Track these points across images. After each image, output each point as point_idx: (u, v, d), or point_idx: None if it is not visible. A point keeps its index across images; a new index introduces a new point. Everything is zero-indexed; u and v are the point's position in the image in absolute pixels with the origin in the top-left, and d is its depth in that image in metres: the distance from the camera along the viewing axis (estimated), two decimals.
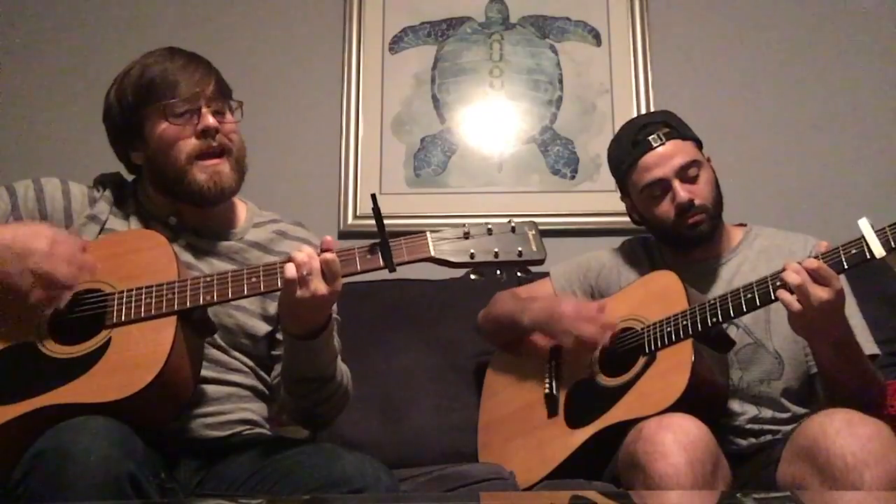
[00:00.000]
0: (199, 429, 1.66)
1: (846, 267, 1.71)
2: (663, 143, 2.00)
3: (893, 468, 1.52)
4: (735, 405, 1.93)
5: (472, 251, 1.55)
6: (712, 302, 1.84)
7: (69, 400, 1.45)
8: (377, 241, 1.54)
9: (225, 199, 1.75)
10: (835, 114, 2.90)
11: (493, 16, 3.03)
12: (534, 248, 1.56)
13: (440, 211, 2.81)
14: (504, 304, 2.20)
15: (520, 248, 1.56)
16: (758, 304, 1.79)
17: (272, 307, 1.75)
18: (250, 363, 1.76)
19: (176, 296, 1.55)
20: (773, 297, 1.76)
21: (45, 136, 2.93)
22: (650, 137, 2.01)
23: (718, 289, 1.98)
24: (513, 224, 1.58)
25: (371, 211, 1.53)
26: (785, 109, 2.92)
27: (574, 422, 1.98)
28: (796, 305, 1.69)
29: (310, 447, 1.62)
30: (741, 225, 2.14)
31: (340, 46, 2.99)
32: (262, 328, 1.76)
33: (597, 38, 2.99)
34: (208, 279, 1.57)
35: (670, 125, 2.04)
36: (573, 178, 2.89)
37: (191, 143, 1.69)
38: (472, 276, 2.65)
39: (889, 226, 1.69)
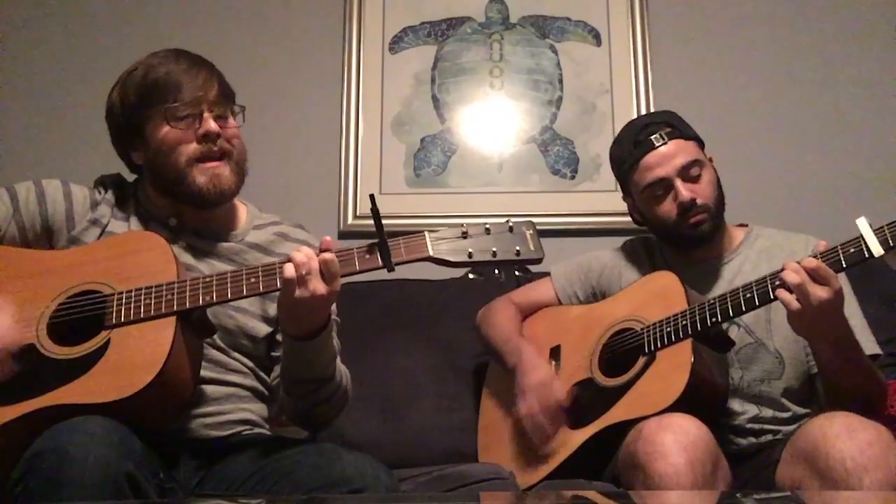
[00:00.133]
0: (198, 429, 1.66)
1: (845, 266, 1.70)
2: (665, 143, 2.00)
3: (893, 473, 1.52)
4: (735, 405, 1.93)
5: (470, 250, 1.55)
6: (711, 302, 1.84)
7: (68, 400, 1.46)
8: (376, 241, 1.55)
9: (224, 202, 1.75)
10: (835, 114, 2.90)
11: (493, 16, 3.03)
12: (531, 247, 1.56)
13: (440, 211, 2.81)
14: (495, 327, 2.19)
15: (518, 248, 1.56)
16: (757, 303, 1.79)
17: (272, 308, 1.75)
18: (250, 364, 1.76)
19: (175, 296, 1.55)
20: (772, 297, 1.76)
21: (45, 137, 2.93)
22: (652, 137, 2.01)
23: (720, 288, 1.98)
24: (510, 224, 1.58)
25: (370, 210, 1.53)
26: (785, 109, 2.92)
27: (574, 422, 1.98)
28: (795, 305, 1.69)
29: (310, 447, 1.62)
30: (742, 225, 2.14)
31: (340, 46, 2.99)
32: (262, 329, 1.76)
33: (597, 38, 2.99)
34: (207, 280, 1.57)
35: (672, 125, 2.04)
36: (573, 178, 2.89)
37: (192, 147, 1.70)
38: (471, 276, 2.65)
39: (887, 224, 1.69)
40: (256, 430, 1.75)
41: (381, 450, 1.89)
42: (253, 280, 1.56)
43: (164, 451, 1.56)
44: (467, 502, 1.70)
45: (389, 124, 2.94)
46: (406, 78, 2.97)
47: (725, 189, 2.06)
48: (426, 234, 1.56)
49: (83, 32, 3.02)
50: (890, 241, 1.67)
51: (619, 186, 2.16)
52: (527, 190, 2.89)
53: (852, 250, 1.70)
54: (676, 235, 2.03)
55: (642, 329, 1.94)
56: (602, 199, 2.81)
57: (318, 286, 1.50)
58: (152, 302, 1.55)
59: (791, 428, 1.89)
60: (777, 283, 1.73)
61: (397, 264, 1.54)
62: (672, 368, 1.83)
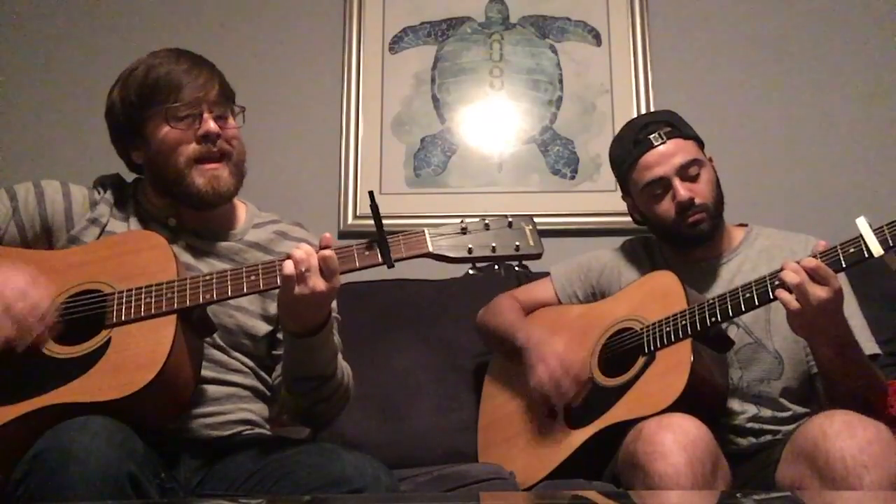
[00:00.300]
0: (199, 429, 1.66)
1: (844, 266, 1.70)
2: (664, 142, 2.00)
3: (893, 471, 1.52)
4: (735, 404, 1.93)
5: (469, 246, 1.56)
6: (711, 302, 1.84)
7: (69, 400, 1.46)
8: (375, 237, 1.55)
9: (223, 203, 1.76)
10: (835, 113, 2.90)
11: (493, 16, 3.03)
12: (531, 242, 1.57)
13: (440, 211, 2.81)
14: (502, 314, 2.19)
15: (517, 243, 1.56)
16: (756, 303, 1.79)
17: (272, 307, 1.75)
18: (250, 363, 1.76)
19: (175, 295, 1.55)
20: (771, 297, 1.76)
21: (45, 137, 2.93)
22: (651, 136, 2.01)
23: (719, 288, 1.98)
24: (510, 219, 1.59)
25: (369, 207, 1.53)
26: (785, 109, 2.92)
27: (574, 422, 1.98)
28: (795, 305, 1.69)
29: (310, 447, 1.62)
30: (742, 225, 2.14)
31: (340, 46, 2.99)
32: (263, 328, 1.76)
33: (597, 38, 2.99)
34: (207, 278, 1.58)
35: (672, 124, 2.04)
36: (573, 178, 2.90)
37: (191, 148, 1.70)
38: (471, 272, 2.66)
39: (887, 224, 1.68)
40: (257, 430, 1.75)
41: (381, 450, 1.89)
42: (253, 278, 1.56)
43: (164, 450, 1.56)
44: (467, 502, 1.69)
45: (389, 124, 2.94)
46: (406, 78, 2.97)
47: (725, 189, 2.06)
48: (426, 230, 1.56)
49: (83, 32, 3.02)
50: (890, 241, 1.67)
51: (618, 186, 2.16)
52: (527, 190, 2.89)
53: (852, 250, 1.70)
54: (675, 235, 2.03)
55: (642, 329, 1.94)
56: (602, 199, 2.81)
57: (318, 283, 1.50)
58: (153, 301, 1.55)
59: (791, 428, 1.89)
60: (777, 282, 1.73)
61: (397, 260, 1.54)
62: (672, 368, 1.84)
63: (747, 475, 1.80)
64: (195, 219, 1.77)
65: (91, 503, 1.29)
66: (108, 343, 1.52)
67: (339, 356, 1.72)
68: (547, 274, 2.26)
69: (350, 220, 2.85)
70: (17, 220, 1.70)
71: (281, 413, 1.85)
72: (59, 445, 1.34)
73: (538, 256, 1.58)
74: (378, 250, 1.54)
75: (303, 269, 1.49)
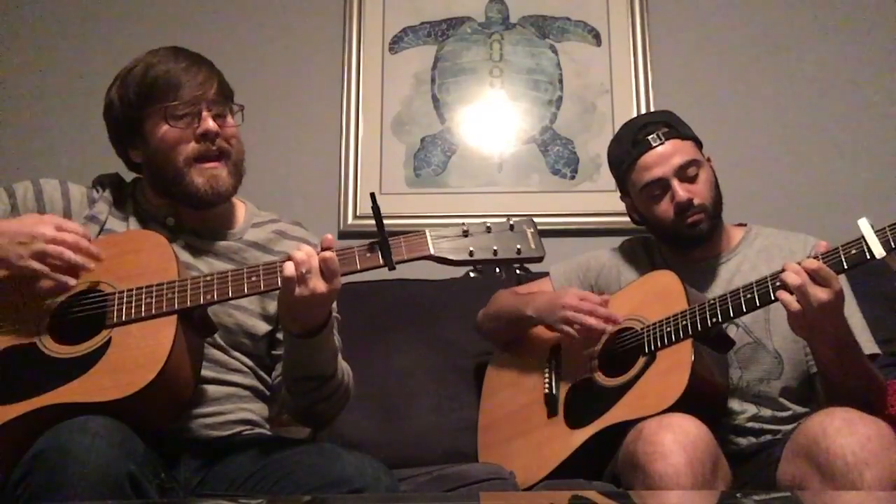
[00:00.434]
0: (199, 429, 1.66)
1: (846, 267, 1.70)
2: (663, 143, 2.00)
3: (893, 467, 1.52)
4: (735, 404, 1.93)
5: (471, 249, 1.55)
6: (712, 302, 1.84)
7: (70, 399, 1.45)
8: (376, 239, 1.55)
9: (221, 203, 1.76)
10: (835, 114, 2.91)
11: (493, 16, 3.03)
12: (532, 245, 1.57)
13: (440, 211, 2.81)
14: (505, 299, 2.21)
15: (518, 246, 1.56)
16: (757, 304, 1.79)
17: (272, 307, 1.75)
18: (250, 363, 1.76)
19: (176, 295, 1.55)
20: (772, 298, 1.76)
21: (45, 137, 2.93)
22: (650, 137, 2.01)
23: (718, 288, 1.98)
24: (511, 222, 1.58)
25: (371, 210, 1.53)
26: (785, 109, 2.92)
27: (574, 422, 1.98)
28: (795, 306, 1.69)
29: (310, 447, 1.62)
30: (741, 225, 2.14)
31: (340, 46, 2.99)
32: (262, 328, 1.76)
33: (597, 38, 3.00)
34: (208, 278, 1.57)
35: (670, 125, 2.04)
36: (573, 178, 2.90)
37: (190, 147, 1.70)
38: (472, 274, 2.66)
39: (889, 226, 1.68)
40: (257, 429, 1.75)
41: (381, 450, 1.89)
42: (254, 279, 1.56)
43: (164, 450, 1.56)
44: (467, 502, 1.70)
45: (389, 124, 2.94)
46: (406, 78, 2.97)
47: (724, 189, 2.06)
48: (427, 232, 1.56)
49: (82, 31, 3.01)
50: (892, 243, 1.67)
51: (617, 186, 2.16)
52: (527, 190, 2.89)
53: (853, 251, 1.70)
54: (674, 235, 2.03)
55: (642, 329, 1.94)
56: (602, 199, 2.81)
57: (319, 284, 1.50)
58: (153, 301, 1.55)
59: (791, 427, 1.89)
60: (777, 283, 1.73)
61: (398, 263, 1.54)
62: (672, 368, 1.84)
63: (747, 475, 1.80)
64: (194, 218, 1.77)
65: (90, 503, 1.29)
66: (108, 343, 1.52)
67: (339, 356, 1.72)
68: (546, 274, 2.25)
69: (350, 220, 2.85)
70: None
71: (281, 413, 1.85)
72: (59, 445, 1.34)
73: (539, 259, 1.58)
74: (379, 252, 1.54)
75: (303, 271, 1.49)
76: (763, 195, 2.79)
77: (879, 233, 1.68)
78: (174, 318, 1.54)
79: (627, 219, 2.19)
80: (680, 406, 1.75)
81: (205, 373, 1.65)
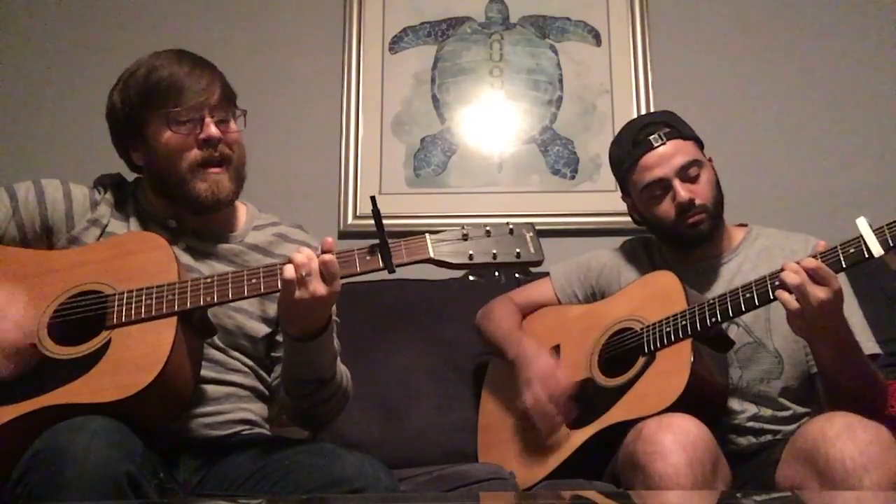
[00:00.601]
0: (198, 429, 1.66)
1: (844, 266, 1.70)
2: (664, 143, 2.00)
3: (893, 473, 1.52)
4: (735, 404, 1.93)
5: (470, 253, 1.56)
6: (711, 302, 1.84)
7: (69, 400, 1.46)
8: (376, 242, 1.55)
9: (222, 209, 1.76)
10: (834, 114, 2.91)
11: (493, 16, 3.03)
12: (532, 249, 1.57)
13: (440, 211, 2.82)
14: (497, 322, 2.20)
15: (518, 250, 1.57)
16: (757, 303, 1.79)
17: (272, 309, 1.76)
18: (250, 363, 1.77)
19: (176, 297, 1.55)
20: (771, 297, 1.76)
21: (45, 136, 2.93)
22: (651, 137, 2.01)
23: (719, 288, 1.98)
24: (511, 226, 1.59)
25: (371, 211, 1.53)
26: (785, 109, 2.92)
27: (574, 422, 1.98)
28: (795, 305, 1.69)
29: (310, 447, 1.62)
30: (742, 225, 2.14)
31: (340, 46, 2.99)
32: (262, 329, 1.76)
33: (597, 38, 3.00)
34: (208, 280, 1.58)
35: (671, 125, 2.04)
36: (573, 178, 2.90)
37: (193, 153, 1.70)
38: (471, 277, 2.65)
39: (887, 225, 1.68)
40: (256, 429, 1.75)
41: (381, 450, 1.89)
42: (254, 281, 1.57)
43: (164, 450, 1.56)
44: (467, 502, 1.70)
45: (389, 124, 2.94)
46: (406, 78, 2.97)
47: (725, 189, 2.06)
48: (427, 236, 1.56)
49: (83, 31, 3.02)
50: (890, 242, 1.67)
51: (618, 186, 2.16)
52: (527, 190, 2.89)
53: (852, 250, 1.70)
54: (675, 235, 2.03)
55: (642, 329, 1.94)
56: (602, 199, 2.81)
57: (318, 287, 1.50)
58: (153, 302, 1.55)
59: (791, 427, 1.89)
60: (777, 283, 1.73)
61: (398, 266, 1.54)
62: (672, 368, 1.84)
63: (747, 475, 1.80)
64: (195, 220, 1.77)
65: (89, 503, 1.29)
66: (108, 344, 1.52)
67: (339, 359, 1.72)
68: (546, 274, 2.26)
69: (350, 221, 2.85)
70: (17, 219, 1.70)
71: (280, 414, 1.85)
72: (58, 445, 1.35)
73: (538, 264, 1.59)
74: (379, 255, 1.55)
75: (303, 273, 1.50)
76: (763, 195, 2.79)
77: (878, 232, 1.68)
78: (174, 319, 1.54)
79: (627, 219, 2.19)
80: (679, 406, 1.75)
81: (204, 372, 1.66)
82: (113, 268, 1.61)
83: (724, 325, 1.91)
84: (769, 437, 1.92)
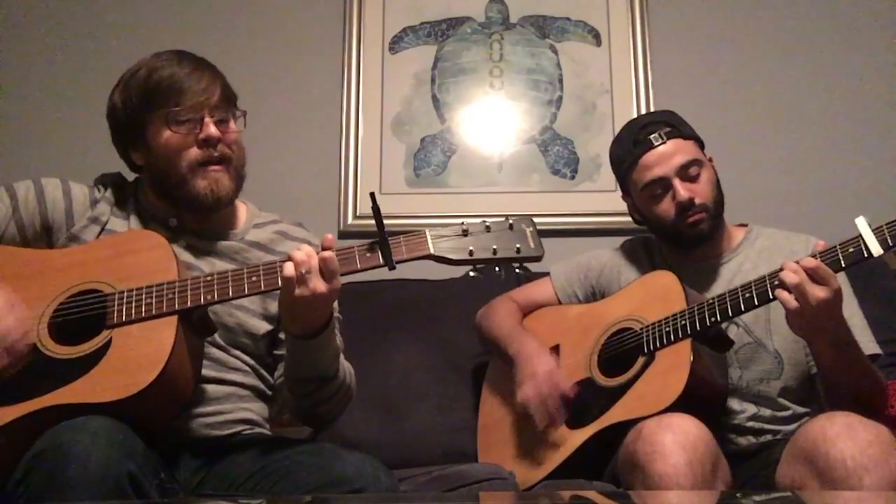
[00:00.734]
0: (199, 428, 1.66)
1: (844, 265, 1.70)
2: (664, 142, 2.00)
3: (893, 473, 1.51)
4: (734, 404, 1.93)
5: (470, 248, 1.56)
6: (711, 301, 1.84)
7: (70, 400, 1.46)
8: (376, 239, 1.55)
9: (222, 208, 1.76)
10: (834, 113, 2.91)
11: (493, 16, 3.03)
12: (531, 244, 1.57)
13: (440, 211, 2.82)
14: (497, 321, 2.20)
15: (518, 245, 1.57)
16: (756, 303, 1.79)
17: (272, 306, 1.76)
18: (251, 362, 1.77)
19: (176, 295, 1.55)
20: (771, 297, 1.76)
21: (45, 136, 2.93)
22: (651, 136, 2.01)
23: (719, 288, 1.98)
24: (510, 221, 1.59)
25: (371, 210, 1.53)
26: (785, 109, 2.92)
27: (574, 422, 1.98)
28: (794, 304, 1.69)
29: (310, 447, 1.62)
30: (743, 225, 2.14)
31: (340, 46, 2.99)
32: (263, 327, 1.76)
33: (597, 38, 3.00)
34: (208, 278, 1.58)
35: (671, 124, 2.04)
36: (573, 178, 2.90)
37: (193, 152, 1.70)
38: (472, 273, 2.66)
39: (886, 224, 1.68)
40: (257, 429, 1.75)
41: (381, 450, 1.89)
42: (254, 279, 1.56)
43: (165, 450, 1.56)
44: (467, 502, 1.70)
45: (389, 124, 2.94)
46: (406, 78, 2.98)
47: (725, 189, 2.06)
48: (427, 232, 1.56)
49: (83, 32, 3.02)
50: (889, 241, 1.67)
51: (618, 186, 2.16)
52: (527, 190, 2.89)
53: (851, 250, 1.70)
54: (675, 235, 2.03)
55: (641, 329, 1.94)
56: (602, 199, 2.81)
57: (319, 284, 1.50)
58: (153, 301, 1.55)
59: (791, 427, 1.89)
60: (776, 282, 1.73)
61: (398, 262, 1.54)
62: (671, 368, 1.84)
63: (747, 475, 1.80)
64: (196, 219, 1.77)
65: (91, 503, 1.29)
66: (108, 344, 1.52)
67: (342, 356, 1.72)
68: (546, 274, 2.26)
69: (350, 220, 2.86)
70: (16, 218, 1.70)
71: (282, 413, 1.85)
72: (59, 445, 1.34)
73: (539, 259, 1.59)
74: (379, 252, 1.54)
75: (303, 271, 1.50)
76: (763, 195, 2.79)
77: (877, 231, 1.68)
78: (174, 318, 1.54)
79: (627, 219, 2.19)
80: (679, 406, 1.75)
81: (205, 372, 1.65)
82: (113, 267, 1.61)
83: (724, 325, 1.91)
84: (769, 437, 1.92)
